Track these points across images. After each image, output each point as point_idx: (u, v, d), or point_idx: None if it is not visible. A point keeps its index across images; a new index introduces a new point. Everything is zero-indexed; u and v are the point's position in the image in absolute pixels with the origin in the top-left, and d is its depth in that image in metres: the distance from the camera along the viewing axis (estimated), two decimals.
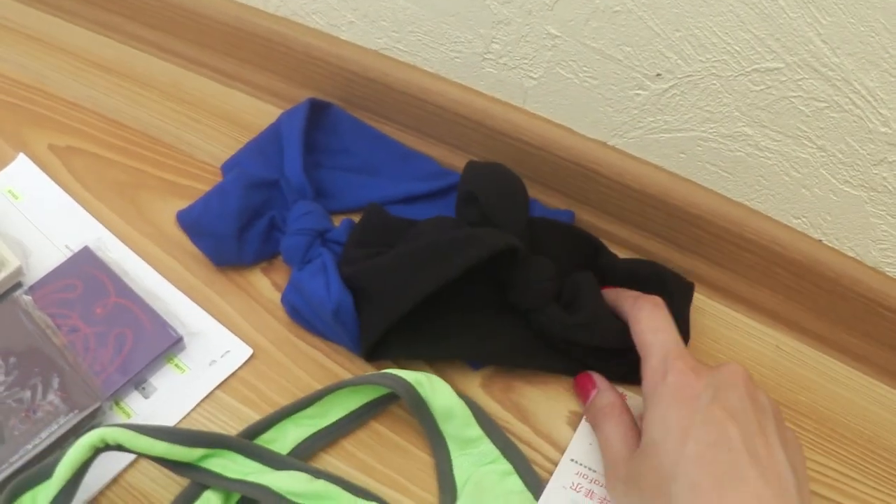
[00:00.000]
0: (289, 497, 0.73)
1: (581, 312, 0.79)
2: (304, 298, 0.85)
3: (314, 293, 0.82)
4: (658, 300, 0.76)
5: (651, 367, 0.71)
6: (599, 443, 0.75)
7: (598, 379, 0.81)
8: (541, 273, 0.81)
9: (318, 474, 0.76)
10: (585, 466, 0.79)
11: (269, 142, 0.96)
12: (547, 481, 0.78)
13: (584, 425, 0.82)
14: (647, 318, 0.74)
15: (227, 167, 0.97)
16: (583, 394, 0.81)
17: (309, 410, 0.81)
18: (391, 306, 0.79)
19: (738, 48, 0.72)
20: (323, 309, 0.82)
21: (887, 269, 0.82)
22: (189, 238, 0.90)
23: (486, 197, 0.82)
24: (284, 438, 0.79)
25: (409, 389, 0.77)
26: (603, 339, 0.80)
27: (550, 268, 0.81)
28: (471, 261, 0.76)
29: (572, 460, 0.79)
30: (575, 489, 0.77)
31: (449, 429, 0.79)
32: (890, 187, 0.75)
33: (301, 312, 0.86)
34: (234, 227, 0.87)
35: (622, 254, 0.93)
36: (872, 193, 0.76)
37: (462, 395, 0.80)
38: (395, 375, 0.77)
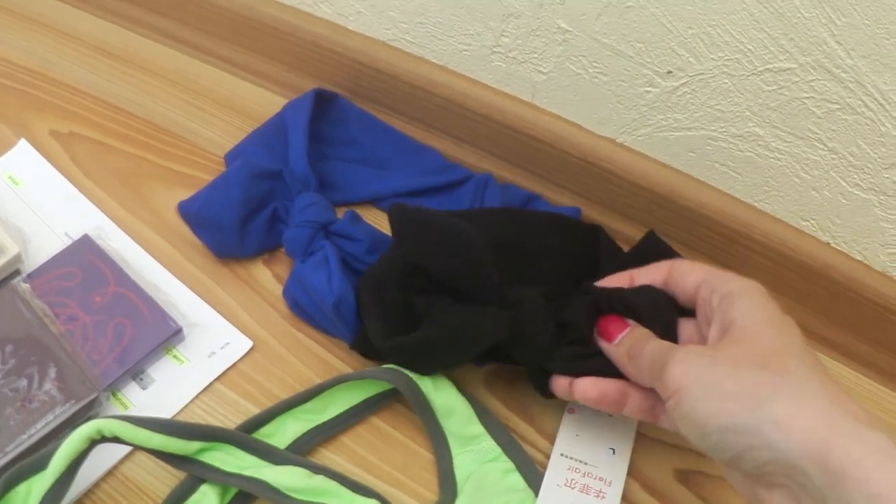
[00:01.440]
0: (287, 492, 0.72)
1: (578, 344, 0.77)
2: (306, 291, 0.84)
3: (316, 286, 0.82)
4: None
5: (729, 275, 0.70)
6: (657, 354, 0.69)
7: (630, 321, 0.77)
8: (536, 323, 0.77)
9: (317, 470, 0.75)
10: (576, 459, 0.79)
11: (273, 132, 0.96)
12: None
13: (568, 417, 0.82)
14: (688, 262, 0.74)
15: (231, 157, 0.97)
16: (613, 333, 0.76)
17: (308, 405, 0.80)
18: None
19: (750, 47, 0.72)
20: (324, 302, 0.81)
21: (895, 273, 0.81)
22: (191, 229, 0.89)
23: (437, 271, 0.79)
24: (283, 432, 0.79)
25: (411, 385, 0.76)
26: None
27: (542, 312, 0.77)
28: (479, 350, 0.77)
29: (562, 455, 0.79)
30: (570, 486, 0.77)
31: (450, 425, 0.78)
32: None
33: (302, 305, 0.86)
34: (237, 218, 0.87)
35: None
36: (882, 197, 0.76)
37: (464, 391, 0.80)
38: (396, 371, 0.77)
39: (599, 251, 0.87)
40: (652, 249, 0.85)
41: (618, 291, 0.75)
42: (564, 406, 0.83)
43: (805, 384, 0.58)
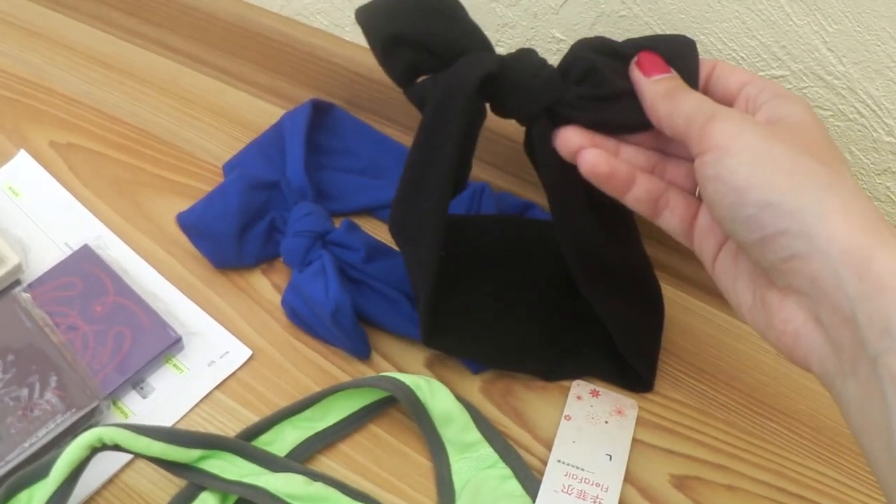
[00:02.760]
0: (286, 499, 0.72)
1: (602, 87, 0.66)
2: (304, 300, 0.85)
3: (313, 295, 0.82)
4: None
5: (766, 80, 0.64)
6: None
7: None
8: (533, 64, 0.68)
9: (316, 477, 0.75)
10: (573, 465, 0.79)
11: (271, 142, 0.96)
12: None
13: (564, 424, 0.82)
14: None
15: (229, 167, 0.97)
16: (652, 70, 0.66)
17: (307, 413, 0.81)
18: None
19: (743, 55, 0.72)
20: (322, 311, 0.82)
21: None
22: (189, 239, 0.90)
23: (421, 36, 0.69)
24: (282, 440, 0.79)
25: (408, 393, 0.77)
26: (632, 113, 0.66)
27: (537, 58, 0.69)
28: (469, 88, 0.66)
29: (559, 461, 0.79)
30: (566, 492, 0.77)
31: (448, 433, 0.79)
32: (893, 197, 0.75)
33: (300, 315, 0.86)
34: (235, 228, 0.87)
35: None
36: (875, 203, 0.77)
37: (461, 398, 0.80)
38: (393, 379, 0.77)
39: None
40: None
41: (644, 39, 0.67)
42: (560, 411, 0.83)
43: (855, 192, 0.54)
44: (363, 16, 0.70)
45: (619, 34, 0.77)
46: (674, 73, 0.64)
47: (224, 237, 0.88)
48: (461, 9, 0.69)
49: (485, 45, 0.69)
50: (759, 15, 0.69)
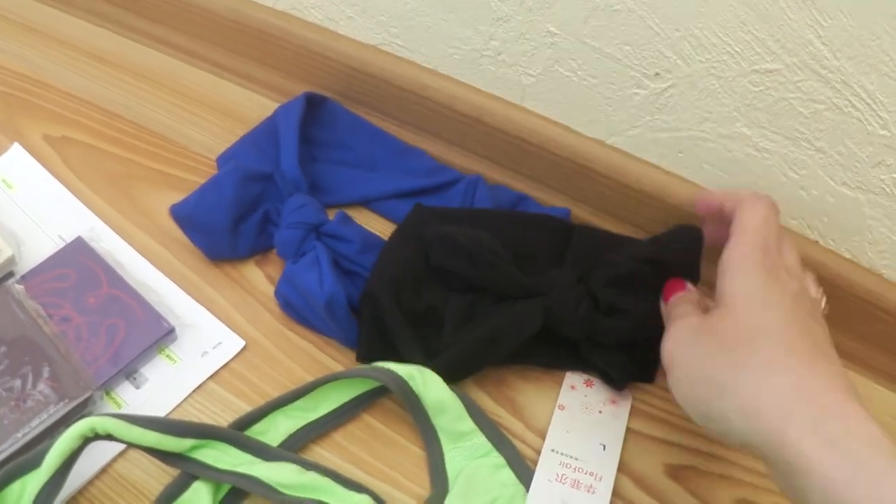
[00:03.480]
0: (279, 489, 0.72)
1: (627, 318, 0.81)
2: (298, 291, 0.85)
3: (307, 286, 0.82)
4: (772, 202, 0.74)
5: (746, 241, 0.69)
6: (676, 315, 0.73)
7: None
8: (570, 305, 0.81)
9: (309, 466, 0.75)
10: (567, 455, 0.79)
11: (264, 135, 0.96)
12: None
13: (558, 413, 0.83)
14: (757, 206, 0.72)
15: (223, 160, 0.97)
16: (668, 294, 0.79)
17: (300, 402, 0.81)
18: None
19: (738, 49, 0.72)
20: (316, 302, 0.82)
21: (883, 270, 0.82)
22: (183, 232, 0.90)
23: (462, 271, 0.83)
24: (276, 430, 0.80)
25: (401, 383, 0.77)
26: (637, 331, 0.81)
27: (577, 292, 0.82)
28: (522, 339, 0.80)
29: (553, 450, 0.80)
30: (560, 481, 0.77)
31: (441, 422, 0.79)
32: (888, 190, 0.75)
33: (294, 305, 0.86)
34: (229, 220, 0.87)
35: None
36: (870, 196, 0.77)
37: (454, 388, 0.80)
38: (386, 369, 0.77)
39: (570, 246, 0.88)
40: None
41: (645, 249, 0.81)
42: (553, 401, 0.83)
43: (772, 368, 0.59)
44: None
45: (612, 28, 0.77)
46: (687, 289, 0.77)
47: (218, 229, 0.88)
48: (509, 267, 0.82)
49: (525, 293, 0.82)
50: (753, 9, 0.69)
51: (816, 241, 0.84)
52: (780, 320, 0.62)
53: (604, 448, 0.80)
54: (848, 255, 0.83)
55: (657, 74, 0.78)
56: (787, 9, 0.68)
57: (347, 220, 0.89)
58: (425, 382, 0.78)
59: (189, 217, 0.88)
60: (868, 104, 0.70)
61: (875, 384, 0.89)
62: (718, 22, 0.71)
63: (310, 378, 0.82)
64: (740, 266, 0.67)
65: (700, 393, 0.62)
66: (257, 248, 0.92)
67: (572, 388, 0.84)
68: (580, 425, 0.81)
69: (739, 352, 0.61)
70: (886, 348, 0.86)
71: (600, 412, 0.82)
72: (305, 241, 0.86)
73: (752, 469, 0.81)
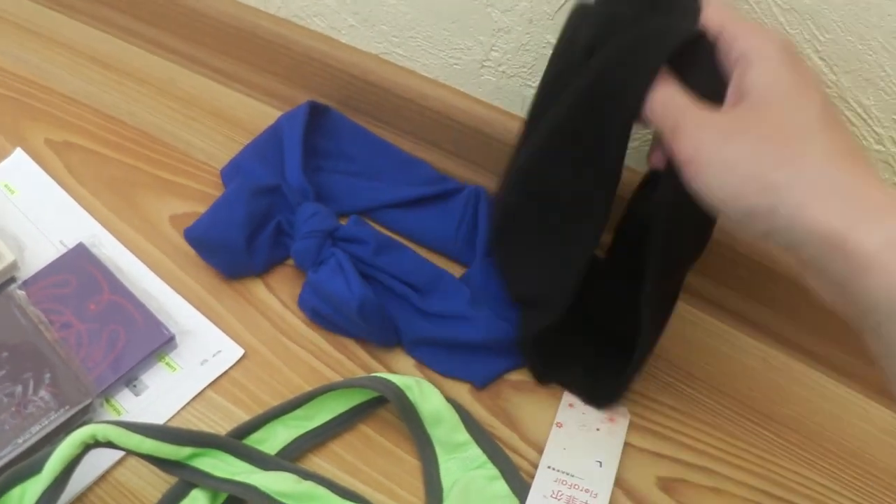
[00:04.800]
0: (276, 497, 0.73)
1: None
2: (324, 300, 0.86)
3: (336, 293, 0.83)
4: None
5: (767, 35, 0.62)
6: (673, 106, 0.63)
7: None
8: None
9: (306, 476, 0.76)
10: (563, 472, 0.79)
11: (268, 145, 0.97)
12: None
13: (556, 430, 0.83)
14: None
15: (227, 173, 0.98)
16: None
17: (298, 412, 0.81)
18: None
19: None
20: (347, 308, 0.83)
21: None
22: (199, 254, 0.90)
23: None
24: (274, 439, 0.80)
25: (399, 393, 0.77)
26: None
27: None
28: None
29: (549, 467, 0.80)
30: (556, 497, 0.78)
31: (437, 433, 0.79)
32: None
33: (322, 314, 0.87)
34: (243, 237, 0.88)
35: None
36: None
37: (451, 399, 0.81)
38: (384, 379, 0.78)
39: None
40: None
41: None
42: (548, 413, 0.84)
43: (823, 168, 0.56)
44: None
45: None
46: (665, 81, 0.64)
47: (233, 248, 0.89)
48: None
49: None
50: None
51: None
52: (822, 118, 0.59)
53: (600, 465, 0.80)
54: None
55: None
56: (786, 24, 0.68)
57: (361, 222, 0.91)
58: (422, 393, 0.78)
59: (203, 239, 0.89)
60: (864, 119, 0.71)
61: (868, 399, 0.89)
62: None
63: (308, 387, 0.83)
64: (769, 55, 0.61)
65: (746, 191, 0.57)
66: (273, 261, 0.93)
67: (570, 406, 0.84)
68: (577, 443, 0.82)
69: (790, 149, 0.57)
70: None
71: (598, 430, 0.83)
72: (323, 249, 0.87)
73: (742, 482, 0.82)
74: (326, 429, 0.81)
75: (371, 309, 0.83)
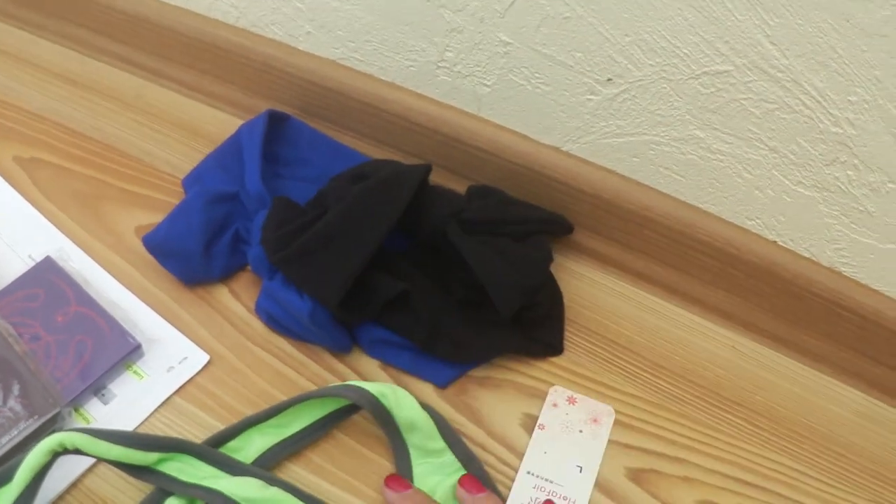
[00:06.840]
0: (242, 502, 0.73)
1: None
2: (280, 306, 0.86)
3: (289, 300, 0.84)
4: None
5: None
6: None
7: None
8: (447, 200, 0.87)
9: (273, 481, 0.76)
10: (542, 478, 0.80)
11: (229, 154, 0.97)
12: (507, 489, 0.79)
13: (538, 433, 0.83)
14: None
15: (189, 181, 0.98)
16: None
17: (274, 420, 0.81)
18: (350, 257, 0.82)
19: (687, 52, 0.73)
20: (300, 314, 0.83)
21: (843, 268, 0.83)
22: (156, 260, 0.91)
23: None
24: (250, 447, 0.80)
25: (374, 402, 0.77)
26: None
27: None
28: (410, 192, 0.84)
29: (528, 472, 0.80)
30: None
31: (413, 439, 0.80)
32: (843, 187, 0.76)
33: (277, 319, 0.87)
34: (201, 245, 0.89)
35: (579, 259, 0.94)
36: (826, 194, 0.77)
37: (426, 406, 0.81)
38: (359, 388, 0.78)
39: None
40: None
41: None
42: (516, 408, 0.84)
43: None
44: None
45: (564, 35, 0.78)
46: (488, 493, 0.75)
47: (190, 254, 0.89)
48: None
49: None
50: (700, 11, 0.70)
51: (775, 241, 0.85)
52: None
53: (580, 470, 0.80)
54: (807, 255, 0.84)
55: (609, 80, 0.79)
56: (735, 10, 0.69)
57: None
58: (397, 401, 0.79)
59: (161, 245, 0.89)
60: (819, 101, 0.71)
61: (838, 382, 0.89)
62: (667, 26, 0.72)
63: (274, 391, 0.84)
64: None
65: None
66: (231, 269, 0.93)
67: (554, 405, 0.85)
68: (559, 445, 0.82)
69: None
70: (850, 346, 0.87)
71: (580, 431, 0.83)
72: None
73: (713, 470, 0.82)
74: (302, 436, 0.81)
75: (323, 317, 0.83)
